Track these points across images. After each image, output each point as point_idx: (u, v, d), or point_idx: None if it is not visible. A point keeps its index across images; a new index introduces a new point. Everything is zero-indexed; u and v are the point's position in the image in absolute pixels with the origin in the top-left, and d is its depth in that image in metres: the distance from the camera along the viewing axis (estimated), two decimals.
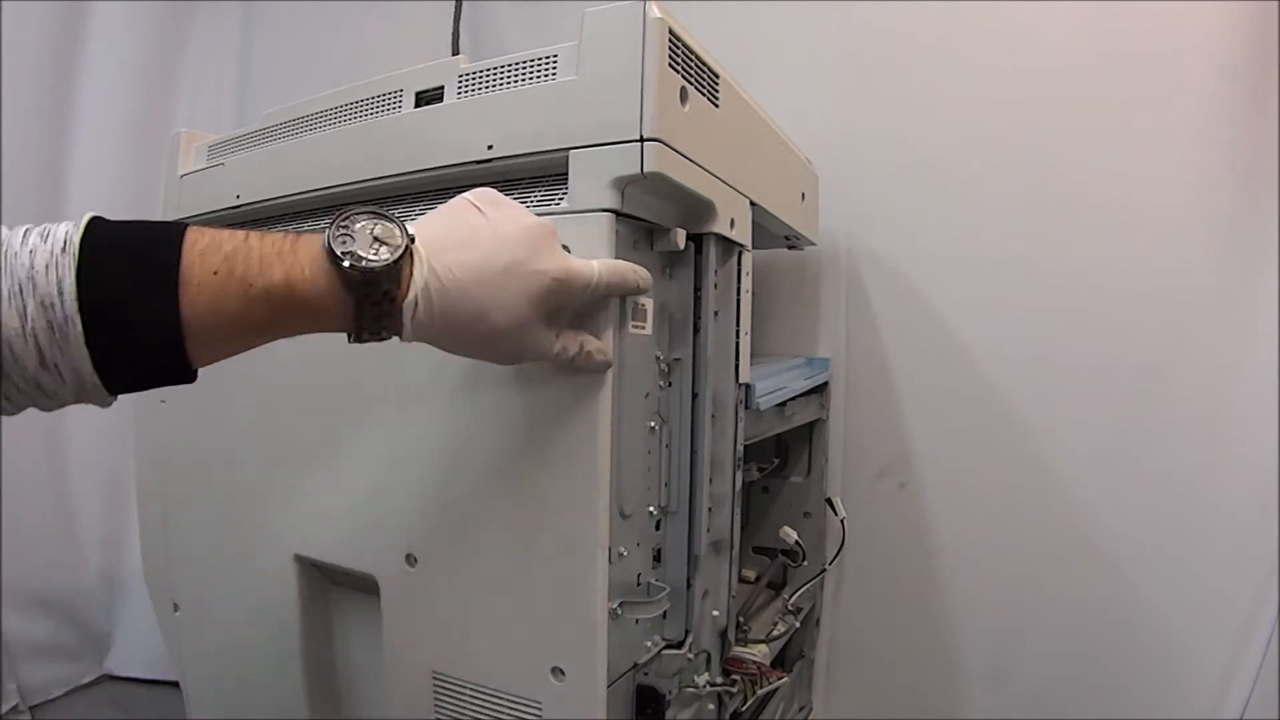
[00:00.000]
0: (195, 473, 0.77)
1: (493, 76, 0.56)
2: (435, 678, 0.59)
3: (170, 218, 0.80)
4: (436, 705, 0.59)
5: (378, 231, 0.39)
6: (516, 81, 0.55)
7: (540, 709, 0.54)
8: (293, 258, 0.37)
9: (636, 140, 0.49)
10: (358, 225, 0.39)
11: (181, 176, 0.79)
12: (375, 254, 0.38)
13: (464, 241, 0.41)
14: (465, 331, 0.42)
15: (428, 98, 0.60)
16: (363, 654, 0.69)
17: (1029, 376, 0.99)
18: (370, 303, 0.38)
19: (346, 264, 0.37)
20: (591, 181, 0.50)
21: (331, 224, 0.38)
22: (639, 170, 0.49)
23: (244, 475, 0.71)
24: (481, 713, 0.57)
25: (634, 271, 0.49)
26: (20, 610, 1.30)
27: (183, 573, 0.81)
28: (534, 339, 0.44)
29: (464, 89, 0.58)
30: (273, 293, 0.37)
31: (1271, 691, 0.86)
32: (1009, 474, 1.01)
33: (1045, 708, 1.00)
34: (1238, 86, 0.88)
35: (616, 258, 0.51)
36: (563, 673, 0.52)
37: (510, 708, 0.55)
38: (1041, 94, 0.96)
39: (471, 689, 0.57)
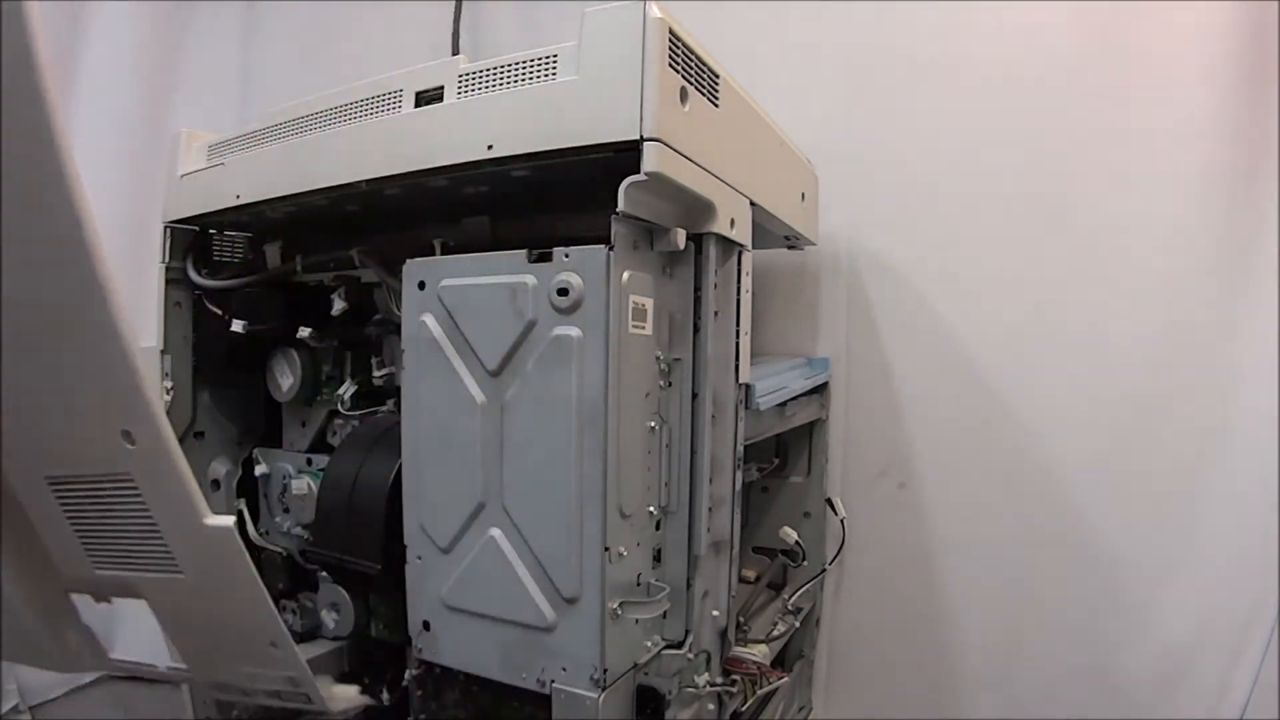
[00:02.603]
0: None
1: (493, 76, 0.56)
2: None
3: (171, 217, 0.80)
4: None
5: None
6: (516, 81, 0.55)
7: None
8: None
9: (636, 140, 0.49)
10: None
11: (182, 176, 0.79)
12: None
13: None
14: None
15: (428, 98, 0.60)
16: None
17: (1029, 376, 0.99)
18: None
19: None
20: None
21: None
22: None
23: None
24: None
25: None
26: None
27: None
28: None
29: (464, 89, 0.58)
30: None
31: (1271, 691, 0.86)
32: (1009, 474, 1.01)
33: (1044, 707, 1.00)
34: (1238, 88, 0.88)
35: (615, 260, 0.51)
36: None
37: None
38: (1041, 96, 0.96)
39: None
